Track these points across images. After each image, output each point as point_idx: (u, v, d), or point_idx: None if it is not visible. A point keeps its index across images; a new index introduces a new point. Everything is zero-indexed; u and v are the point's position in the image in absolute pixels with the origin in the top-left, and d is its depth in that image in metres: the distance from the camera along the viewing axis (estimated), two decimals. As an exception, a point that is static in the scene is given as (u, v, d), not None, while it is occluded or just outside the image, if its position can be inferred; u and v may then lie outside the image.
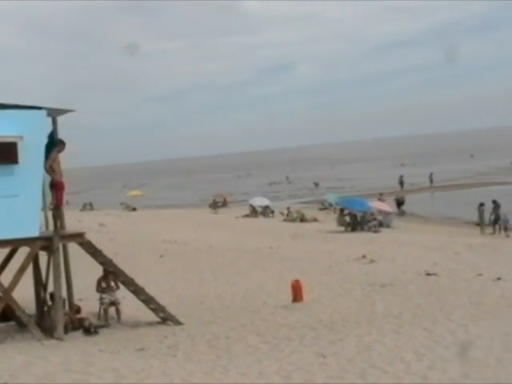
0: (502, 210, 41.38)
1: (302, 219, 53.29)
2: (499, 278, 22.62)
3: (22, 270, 17.14)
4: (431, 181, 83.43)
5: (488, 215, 41.85)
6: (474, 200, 55.61)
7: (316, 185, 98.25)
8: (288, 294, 21.11)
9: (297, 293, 20.94)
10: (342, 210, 46.79)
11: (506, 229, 40.30)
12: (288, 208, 57.61)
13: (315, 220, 53.12)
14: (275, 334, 17.09)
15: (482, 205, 42.64)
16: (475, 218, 43.68)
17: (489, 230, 41.46)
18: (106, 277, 19.30)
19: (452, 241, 35.92)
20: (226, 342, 16.46)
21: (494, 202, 42.23)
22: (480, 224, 42.47)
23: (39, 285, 19.16)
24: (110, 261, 18.62)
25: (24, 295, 18.99)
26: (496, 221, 41.12)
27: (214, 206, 70.76)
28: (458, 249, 31.84)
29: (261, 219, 58.08)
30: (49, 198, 18.12)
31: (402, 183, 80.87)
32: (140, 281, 19.32)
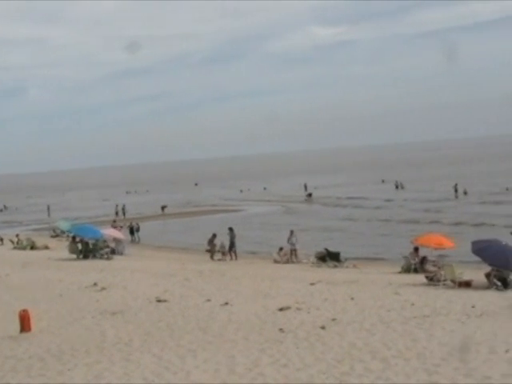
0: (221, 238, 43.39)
1: (33, 247, 51.87)
2: (227, 303, 23.36)
3: None
4: (162, 209, 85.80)
5: (224, 242, 43.42)
6: (203, 227, 57.36)
7: (48, 208, 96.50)
8: (16, 325, 20.37)
9: (24, 323, 20.28)
10: (74, 238, 46.04)
11: (223, 254, 42.35)
12: (17, 235, 55.84)
13: (46, 247, 51.92)
14: (0, 366, 16.42)
15: (227, 231, 43.84)
16: (206, 244, 44.80)
17: (218, 256, 42.90)
18: None
19: (183, 267, 36.66)
20: None
21: (230, 229, 43.72)
22: (211, 250, 43.71)
23: None
24: None
25: None
26: (231, 247, 42.73)
27: None
28: (189, 275, 32.48)
29: (-12, 247, 55.68)
30: None
31: (123, 211, 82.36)
32: None
